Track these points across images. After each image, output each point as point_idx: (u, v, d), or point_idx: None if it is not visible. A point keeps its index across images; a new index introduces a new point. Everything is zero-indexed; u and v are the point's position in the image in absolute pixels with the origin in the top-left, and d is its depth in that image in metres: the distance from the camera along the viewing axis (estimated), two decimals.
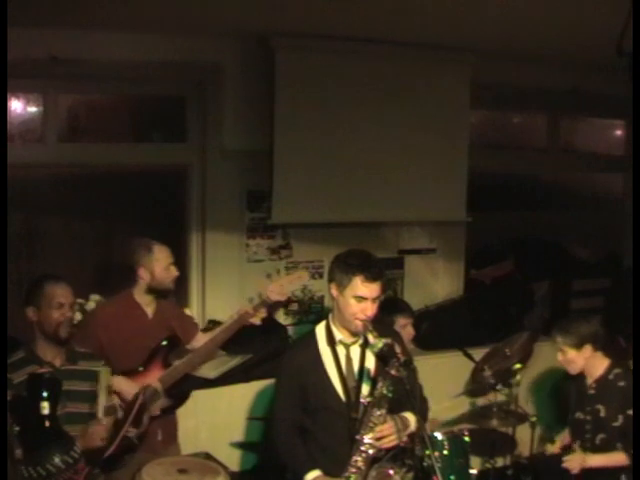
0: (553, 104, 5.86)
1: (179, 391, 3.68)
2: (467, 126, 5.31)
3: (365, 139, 4.88)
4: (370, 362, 3.04)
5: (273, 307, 3.77)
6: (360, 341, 3.05)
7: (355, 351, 3.06)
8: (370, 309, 2.96)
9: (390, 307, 4.39)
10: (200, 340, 3.80)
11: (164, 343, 3.62)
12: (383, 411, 2.91)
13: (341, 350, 3.05)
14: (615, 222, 6.38)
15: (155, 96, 4.71)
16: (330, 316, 3.10)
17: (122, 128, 4.65)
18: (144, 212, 4.70)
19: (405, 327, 4.19)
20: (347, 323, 3.01)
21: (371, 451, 2.91)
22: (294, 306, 4.98)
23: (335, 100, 4.77)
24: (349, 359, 3.05)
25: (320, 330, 3.10)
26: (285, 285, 3.71)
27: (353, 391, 3.01)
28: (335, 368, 3.02)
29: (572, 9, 3.67)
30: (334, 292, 3.01)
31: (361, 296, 2.94)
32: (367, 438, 2.90)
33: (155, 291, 3.65)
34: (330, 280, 3.04)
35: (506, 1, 3.70)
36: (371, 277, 2.94)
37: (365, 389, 3.01)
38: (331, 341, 3.05)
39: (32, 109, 4.38)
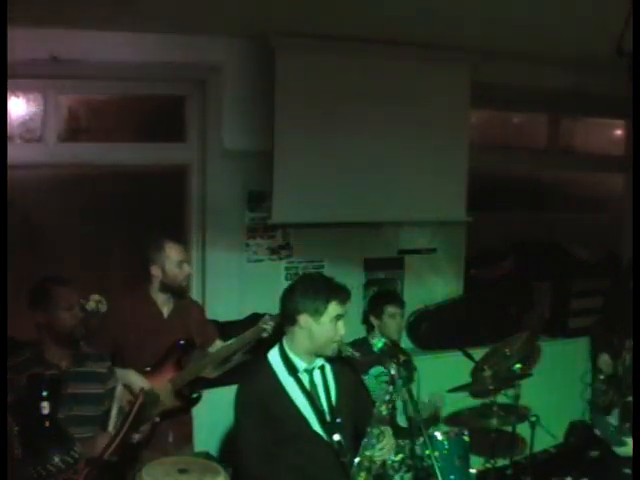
0: (553, 104, 5.87)
1: (190, 393, 3.69)
2: (467, 126, 5.32)
3: (365, 139, 4.88)
4: (331, 382, 3.04)
5: None
6: (319, 364, 3.02)
7: (317, 375, 3.03)
8: (343, 326, 2.97)
9: (379, 297, 4.46)
10: (217, 346, 3.81)
11: (181, 342, 3.63)
12: (381, 428, 2.91)
13: (305, 378, 3.00)
14: (615, 222, 6.39)
15: (155, 96, 4.71)
16: (285, 345, 3.01)
17: (122, 128, 4.64)
18: (144, 212, 4.70)
19: (394, 316, 4.24)
20: (321, 349, 2.97)
21: (374, 467, 2.92)
22: None
23: (335, 100, 4.77)
24: (314, 385, 3.01)
25: (276, 360, 3.01)
26: None
27: (327, 415, 2.97)
28: (303, 397, 2.96)
29: (572, 9, 3.68)
30: (303, 323, 2.93)
31: (338, 315, 2.93)
32: (368, 455, 2.90)
33: (169, 289, 3.67)
34: (296, 313, 2.94)
35: (507, 1, 3.70)
36: (347, 296, 2.97)
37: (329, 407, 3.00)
38: (293, 370, 2.97)
39: (32, 109, 4.38)
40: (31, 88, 4.34)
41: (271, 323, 3.60)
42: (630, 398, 3.52)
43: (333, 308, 2.92)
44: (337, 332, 2.94)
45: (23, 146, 4.35)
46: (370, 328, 4.52)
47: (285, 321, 3.01)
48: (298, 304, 2.94)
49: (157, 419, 3.49)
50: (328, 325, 2.92)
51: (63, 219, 4.53)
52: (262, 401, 2.91)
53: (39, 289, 3.13)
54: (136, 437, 3.12)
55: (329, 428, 2.94)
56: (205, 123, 4.71)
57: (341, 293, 2.97)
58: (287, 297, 3.00)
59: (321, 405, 2.97)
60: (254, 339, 3.67)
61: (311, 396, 2.96)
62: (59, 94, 4.41)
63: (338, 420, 2.95)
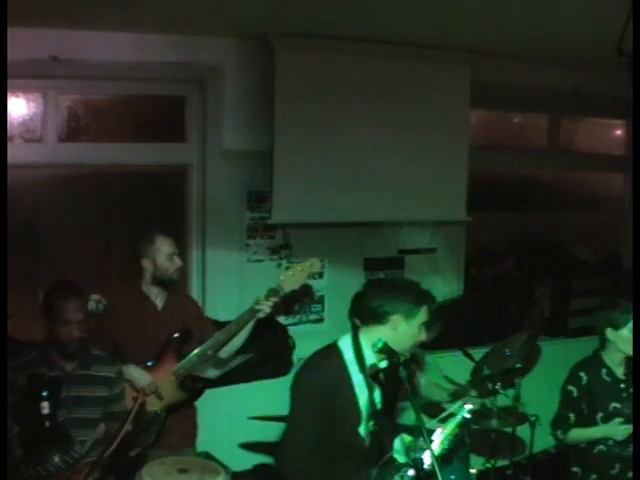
0: (553, 104, 5.86)
1: (193, 384, 3.69)
2: (467, 126, 5.32)
3: (365, 139, 4.88)
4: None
5: (289, 300, 3.72)
6: (384, 365, 2.98)
7: (382, 375, 3.02)
8: (424, 332, 2.99)
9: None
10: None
11: (176, 335, 3.62)
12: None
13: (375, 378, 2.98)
14: (615, 222, 6.39)
15: (155, 96, 4.71)
16: (363, 341, 2.94)
17: (122, 128, 4.64)
18: (144, 212, 4.70)
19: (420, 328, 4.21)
20: (402, 352, 2.94)
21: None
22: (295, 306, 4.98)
23: (335, 100, 4.77)
24: (374, 386, 2.97)
25: (348, 352, 2.94)
26: (297, 274, 3.67)
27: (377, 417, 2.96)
28: (366, 397, 2.92)
29: (572, 9, 3.68)
30: (395, 323, 2.90)
31: (425, 321, 2.95)
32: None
33: (160, 282, 3.67)
34: (388, 313, 2.90)
35: (506, 1, 3.70)
36: (434, 304, 3.04)
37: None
38: (364, 369, 2.92)
39: (32, 109, 4.38)
40: (31, 88, 4.34)
41: (267, 302, 3.59)
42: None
43: (423, 313, 2.93)
44: (420, 336, 2.95)
45: (23, 146, 4.35)
46: None
47: (370, 318, 2.93)
48: (391, 304, 2.91)
49: (163, 413, 3.50)
50: (416, 329, 2.93)
51: (63, 219, 4.53)
52: (329, 389, 2.83)
53: (45, 296, 3.09)
54: (134, 452, 3.12)
55: (378, 430, 2.95)
56: (205, 123, 4.70)
57: (430, 300, 2.99)
58: (377, 296, 2.96)
59: (377, 407, 2.96)
60: (250, 320, 3.65)
61: (373, 399, 2.93)
62: (59, 94, 4.41)
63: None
